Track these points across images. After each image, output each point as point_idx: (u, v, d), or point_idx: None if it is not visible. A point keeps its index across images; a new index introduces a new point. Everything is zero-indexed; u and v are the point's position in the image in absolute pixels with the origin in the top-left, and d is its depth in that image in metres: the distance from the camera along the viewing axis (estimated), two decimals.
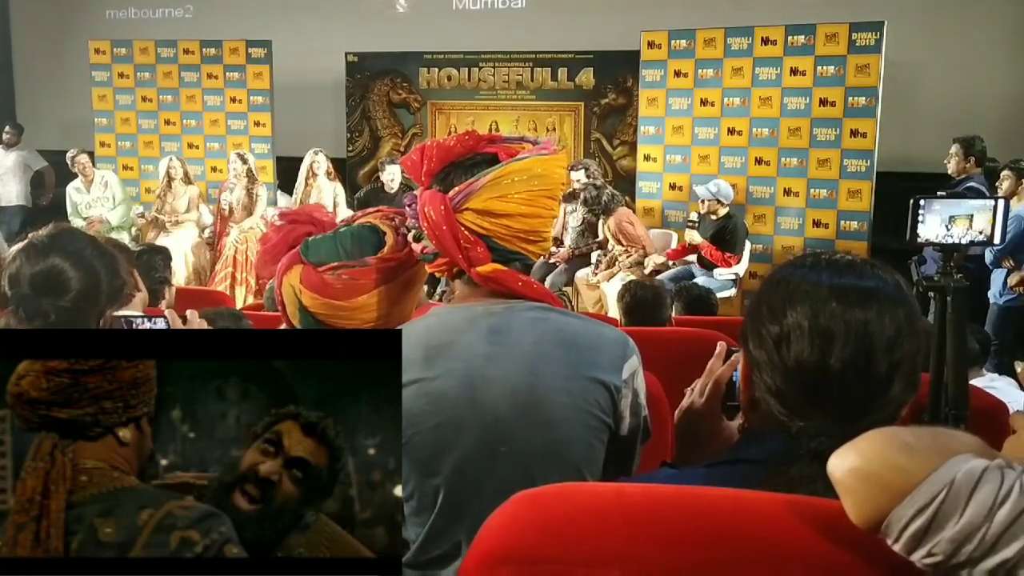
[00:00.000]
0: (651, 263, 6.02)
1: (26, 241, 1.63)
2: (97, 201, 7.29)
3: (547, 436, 1.30)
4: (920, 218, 1.97)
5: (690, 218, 6.03)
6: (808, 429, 1.01)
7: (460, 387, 1.30)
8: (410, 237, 1.44)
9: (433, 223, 1.34)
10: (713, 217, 5.95)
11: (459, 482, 1.31)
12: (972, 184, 5.37)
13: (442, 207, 1.34)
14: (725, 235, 5.89)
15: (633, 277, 5.82)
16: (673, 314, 3.71)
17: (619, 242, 6.14)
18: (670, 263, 6.15)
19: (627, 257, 6.08)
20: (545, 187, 1.37)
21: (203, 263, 6.99)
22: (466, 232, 1.34)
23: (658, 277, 5.78)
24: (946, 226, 1.96)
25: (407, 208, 1.43)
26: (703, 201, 5.95)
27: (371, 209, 1.66)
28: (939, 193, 2.07)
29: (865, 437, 0.83)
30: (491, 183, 1.34)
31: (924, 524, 0.77)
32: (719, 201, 5.89)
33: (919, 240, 1.99)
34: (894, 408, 1.03)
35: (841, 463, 0.82)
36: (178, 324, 1.79)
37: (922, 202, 1.97)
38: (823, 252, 1.13)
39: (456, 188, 1.35)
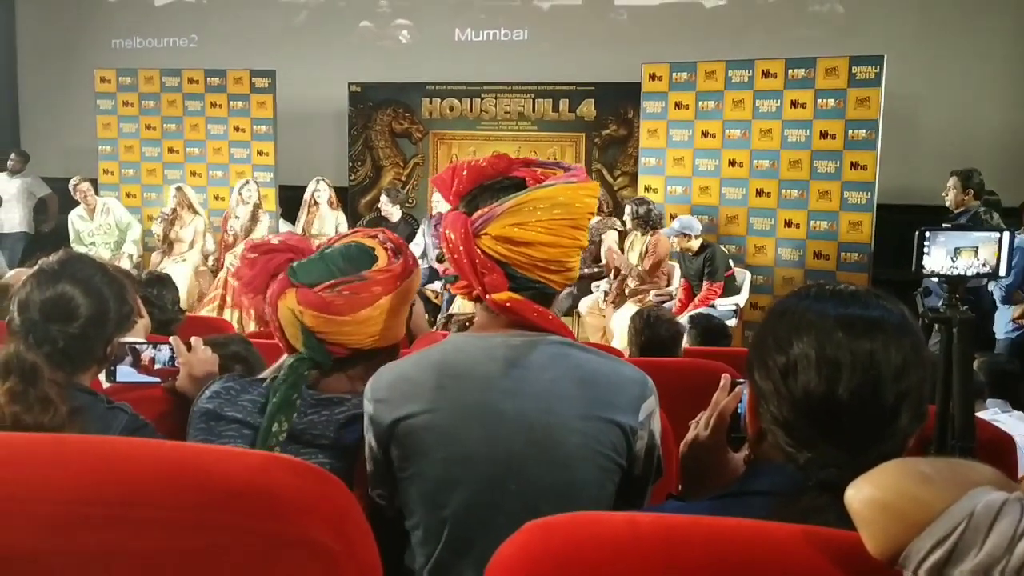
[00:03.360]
0: (653, 294, 6.00)
1: (36, 267, 1.64)
2: (100, 228, 7.30)
3: (559, 476, 1.28)
4: (925, 250, 1.97)
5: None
6: (816, 460, 1.01)
7: (473, 420, 1.28)
8: (435, 257, 1.44)
9: (452, 245, 1.33)
10: (691, 254, 5.90)
11: (467, 516, 1.29)
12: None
13: (462, 230, 1.32)
14: (705, 267, 5.86)
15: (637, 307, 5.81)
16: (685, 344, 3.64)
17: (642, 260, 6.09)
18: (673, 293, 6.12)
19: (638, 283, 6.05)
20: (569, 216, 1.34)
21: (206, 290, 7.00)
22: (484, 257, 1.32)
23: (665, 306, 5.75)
24: (951, 258, 1.97)
25: (433, 228, 1.43)
26: (674, 241, 5.91)
27: (348, 231, 1.65)
28: (944, 225, 2.07)
29: (882, 468, 0.83)
30: (512, 209, 1.32)
31: (943, 556, 0.76)
32: (686, 235, 5.82)
33: (924, 272, 2.00)
34: (901, 438, 1.03)
35: (858, 494, 0.82)
36: (182, 351, 1.79)
37: (927, 234, 1.98)
38: (827, 283, 1.13)
39: (479, 211, 1.33)
